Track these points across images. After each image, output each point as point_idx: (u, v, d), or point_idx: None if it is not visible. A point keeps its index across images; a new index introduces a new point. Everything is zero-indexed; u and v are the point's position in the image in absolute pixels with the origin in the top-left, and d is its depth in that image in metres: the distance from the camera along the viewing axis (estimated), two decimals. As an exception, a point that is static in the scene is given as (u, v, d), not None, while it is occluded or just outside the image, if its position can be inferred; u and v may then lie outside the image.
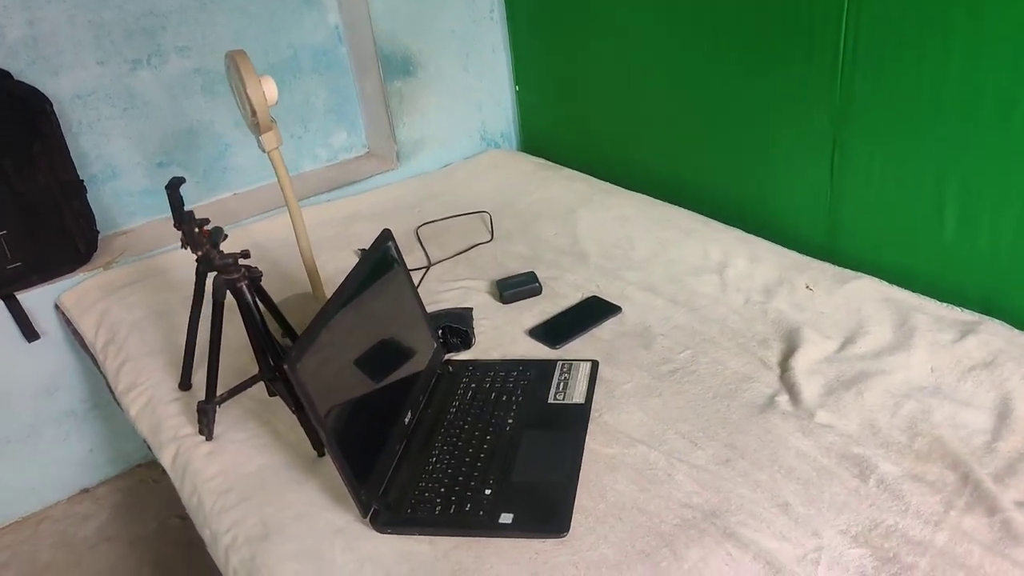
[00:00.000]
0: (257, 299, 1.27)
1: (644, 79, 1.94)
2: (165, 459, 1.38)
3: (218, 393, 1.34)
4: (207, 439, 1.36)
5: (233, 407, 1.39)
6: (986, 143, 1.32)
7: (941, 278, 1.45)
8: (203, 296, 1.42)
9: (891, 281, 1.50)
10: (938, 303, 1.43)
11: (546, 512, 1.10)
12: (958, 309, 1.40)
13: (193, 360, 1.48)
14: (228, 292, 1.26)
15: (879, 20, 1.39)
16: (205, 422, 1.35)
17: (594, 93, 2.12)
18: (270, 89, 1.39)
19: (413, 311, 1.37)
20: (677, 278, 1.62)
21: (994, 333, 1.32)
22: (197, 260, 1.35)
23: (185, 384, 1.50)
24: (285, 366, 1.01)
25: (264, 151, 1.46)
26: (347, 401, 1.13)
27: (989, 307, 1.38)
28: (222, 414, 1.38)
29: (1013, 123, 1.27)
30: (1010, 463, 1.09)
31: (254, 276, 1.27)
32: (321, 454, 1.28)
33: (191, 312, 1.43)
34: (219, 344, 1.31)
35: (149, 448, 1.46)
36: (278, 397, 1.37)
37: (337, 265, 1.83)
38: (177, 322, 1.66)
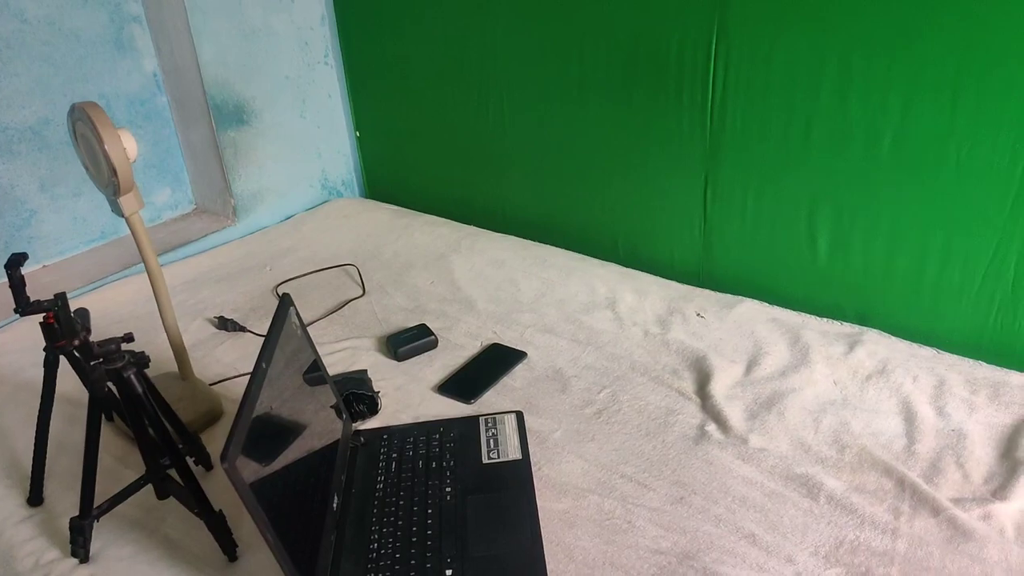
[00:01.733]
0: (147, 387, 1.09)
1: (503, 122, 1.93)
2: (29, 593, 1.14)
3: (97, 504, 1.13)
4: (82, 561, 1.15)
5: (107, 520, 1.18)
6: (856, 172, 1.43)
7: (817, 297, 1.55)
8: (53, 391, 1.20)
9: (770, 302, 1.58)
10: (819, 319, 1.52)
11: (519, 586, 1.02)
12: (838, 323, 1.51)
13: (44, 469, 1.25)
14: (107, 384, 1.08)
15: (747, 58, 1.48)
16: (80, 542, 1.13)
17: (445, 138, 2.09)
18: (130, 144, 1.22)
19: (318, 381, 1.24)
20: (572, 317, 1.60)
21: (877, 342, 1.43)
22: (48, 349, 1.15)
23: (35, 499, 1.26)
24: (224, 464, 0.86)
25: (122, 215, 1.28)
26: (275, 494, 0.99)
27: (864, 320, 1.49)
28: (97, 530, 1.17)
29: (881, 153, 1.39)
30: (932, 463, 1.17)
31: (141, 362, 1.09)
32: (232, 559, 1.12)
33: (40, 411, 1.21)
34: (97, 447, 1.11)
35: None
36: (168, 499, 1.18)
37: (192, 338, 1.64)
38: (5, 424, 1.40)
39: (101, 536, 1.17)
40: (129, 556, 1.14)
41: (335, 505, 1.13)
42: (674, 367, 1.43)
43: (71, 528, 1.13)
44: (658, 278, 1.71)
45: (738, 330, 1.51)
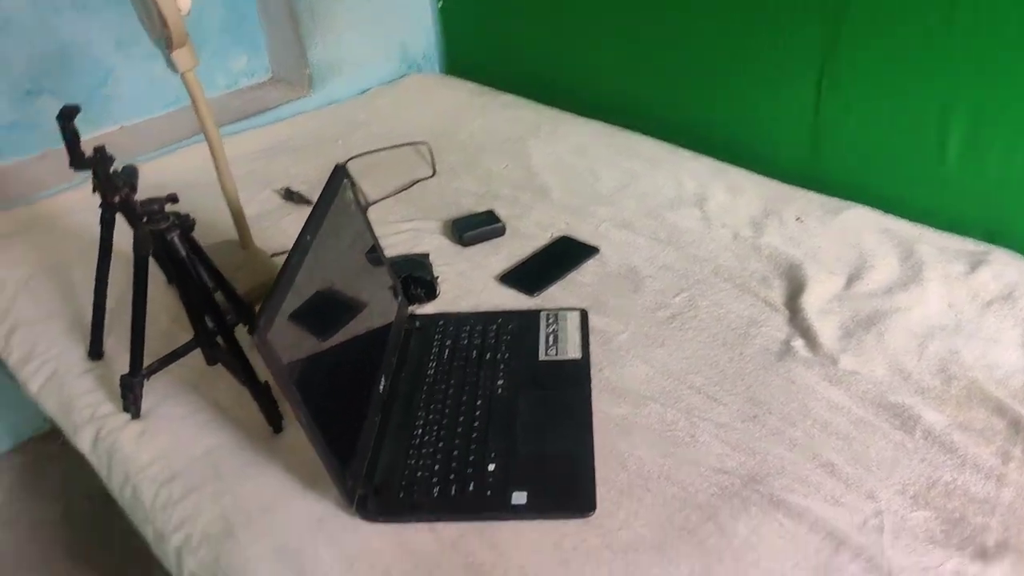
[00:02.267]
0: (191, 251, 1.03)
1: (596, -7, 1.75)
2: (83, 443, 1.14)
3: (145, 364, 1.10)
4: (133, 417, 1.13)
5: (162, 379, 1.16)
6: (1007, 64, 1.21)
7: (940, 208, 1.37)
8: (110, 249, 1.16)
9: (884, 210, 1.41)
10: (939, 232, 1.34)
11: (565, 488, 0.95)
12: (960, 238, 1.33)
13: (103, 324, 1.23)
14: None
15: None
16: (131, 398, 1.11)
17: (532, 8, 1.92)
18: (183, -7, 1.13)
19: (375, 261, 1.16)
20: (654, 213, 1.47)
21: (1005, 264, 1.25)
22: (104, 206, 1.10)
23: (95, 353, 1.25)
24: (254, 337, 0.80)
25: (176, 72, 1.20)
26: (317, 371, 0.92)
27: (993, 237, 1.31)
28: (148, 388, 1.14)
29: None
30: (1054, 404, 1.02)
31: (186, 225, 1.03)
32: (278, 430, 1.08)
33: (98, 268, 1.18)
34: (144, 308, 1.07)
35: (45, 420, 1.21)
36: (218, 366, 1.14)
37: (258, 208, 1.58)
38: (75, 279, 1.39)
39: (154, 394, 1.15)
40: (179, 417, 1.12)
41: (382, 387, 1.07)
42: (763, 274, 1.29)
43: (121, 385, 1.11)
44: (756, 175, 1.55)
45: (842, 238, 1.35)
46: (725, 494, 0.94)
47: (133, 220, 1.03)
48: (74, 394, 1.18)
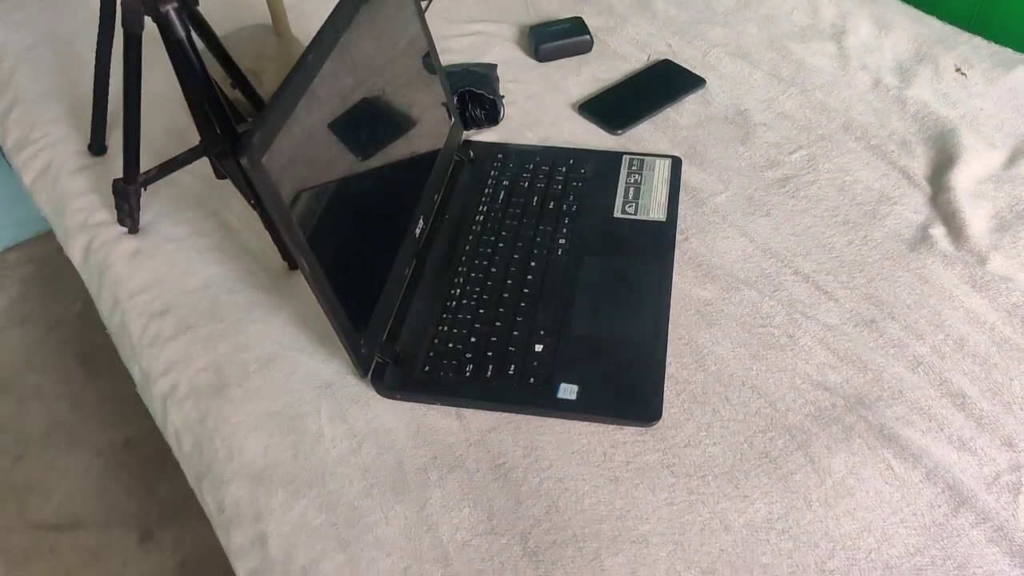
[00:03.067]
0: (193, 34, 0.82)
1: None
2: (73, 253, 1.01)
3: (143, 169, 0.93)
4: (130, 231, 0.98)
5: (166, 188, 1.00)
6: None
7: None
8: (113, 16, 0.96)
9: (1074, 70, 1.10)
10: None
11: (626, 386, 0.77)
12: None
13: (106, 114, 1.05)
14: (147, 21, 0.81)
15: None
16: (127, 210, 0.95)
17: None
18: None
19: (424, 66, 0.94)
20: (778, 43, 1.19)
21: None
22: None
23: (97, 147, 1.08)
24: (242, 160, 0.60)
25: None
26: (334, 206, 0.74)
27: None
28: (149, 197, 0.98)
29: None
30: None
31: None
32: (293, 266, 0.92)
33: (98, 45, 0.98)
34: (138, 99, 0.88)
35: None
36: (229, 180, 0.97)
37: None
38: (81, 53, 1.21)
39: (155, 207, 1.00)
40: (180, 237, 0.96)
41: (419, 230, 0.88)
42: (905, 137, 1.03)
43: (114, 191, 0.94)
44: (911, 8, 1.23)
45: (1012, 101, 1.07)
46: (823, 418, 0.75)
47: (121, -11, 0.82)
48: (68, 193, 1.03)
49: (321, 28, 0.73)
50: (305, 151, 0.69)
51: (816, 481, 0.71)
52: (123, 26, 0.81)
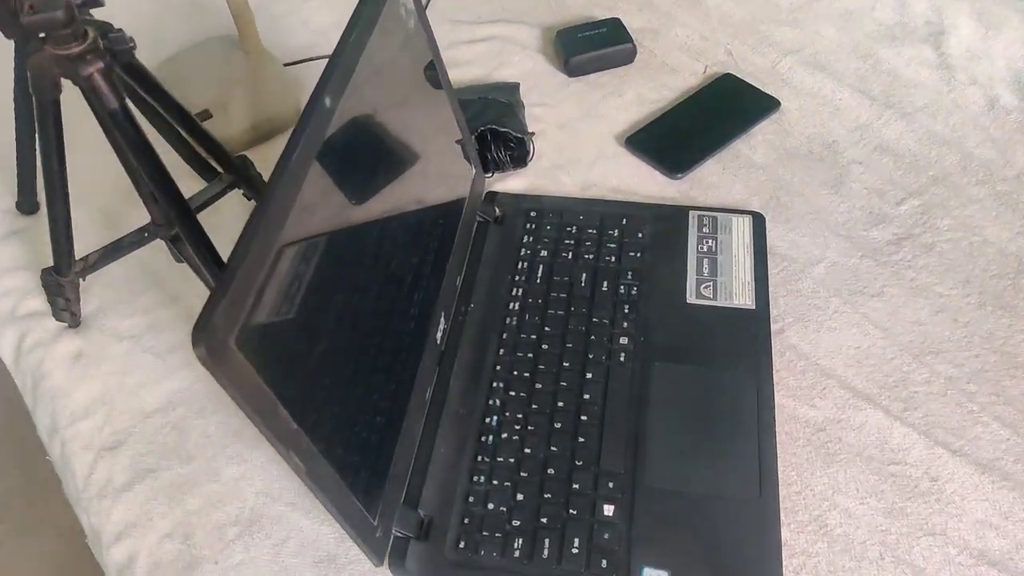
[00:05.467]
0: (126, 99, 0.60)
1: None
2: (3, 350, 0.80)
3: (80, 254, 0.72)
4: (70, 326, 0.77)
5: (116, 270, 0.78)
6: None
7: None
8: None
9: None
10: None
11: (733, 571, 0.57)
12: None
13: (36, 164, 0.83)
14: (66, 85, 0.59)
15: None
16: (62, 304, 0.74)
17: None
18: None
19: (439, 109, 0.72)
20: (862, 48, 0.97)
21: None
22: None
23: (28, 204, 0.87)
24: (198, 353, 0.40)
25: None
26: (335, 355, 0.53)
27: None
28: (96, 279, 0.77)
29: None
30: None
31: (118, 49, 0.59)
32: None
33: (15, 100, 0.76)
34: (63, 176, 0.66)
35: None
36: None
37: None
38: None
39: (100, 289, 0.79)
40: (134, 334, 0.77)
41: (440, 334, 0.67)
42: (1039, 177, 0.82)
43: (44, 284, 0.73)
44: None
45: None
46: (995, 610, 0.56)
47: (15, 33, 0.59)
48: (-9, 272, 0.82)
49: (309, 101, 0.51)
50: (292, 299, 0.48)
51: None
52: (33, 93, 0.59)
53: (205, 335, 0.39)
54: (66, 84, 0.59)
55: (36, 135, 0.62)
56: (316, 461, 0.49)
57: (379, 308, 0.59)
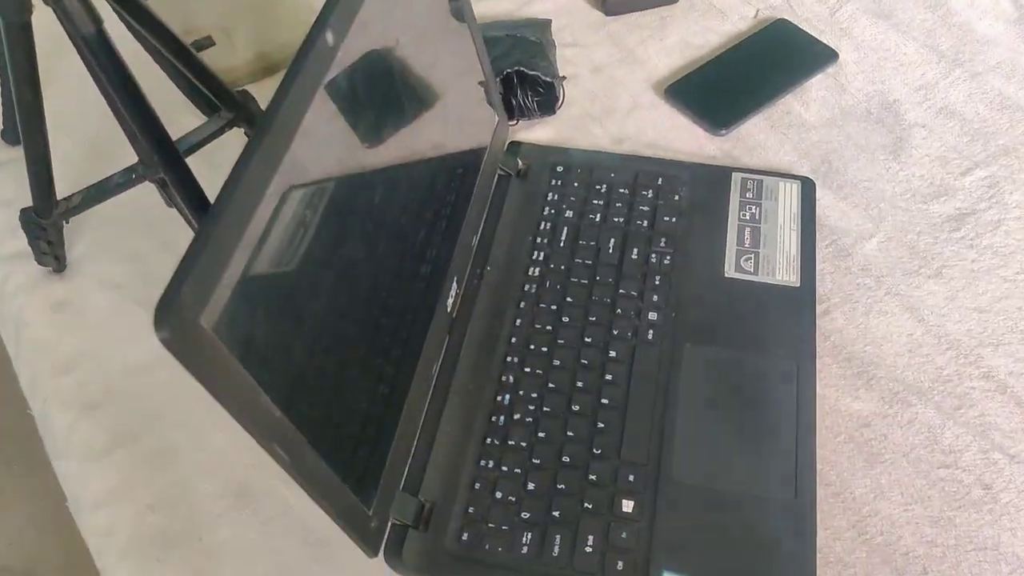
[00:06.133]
0: (103, 24, 0.53)
1: None
2: (-17, 291, 0.74)
3: (62, 194, 0.66)
4: (55, 271, 0.71)
5: (104, 212, 0.72)
6: None
7: None
8: None
9: None
10: None
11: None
12: None
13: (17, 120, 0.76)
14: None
15: None
16: (44, 247, 0.68)
17: None
18: None
19: (461, 45, 0.65)
20: (932, -3, 0.88)
21: None
22: None
23: (11, 134, 0.80)
24: (161, 335, 0.34)
25: None
26: (327, 326, 0.47)
27: None
28: (83, 221, 0.72)
29: None
30: None
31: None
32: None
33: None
34: (39, 109, 0.59)
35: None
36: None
37: None
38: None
39: (89, 233, 0.74)
40: (121, 283, 0.72)
41: (451, 301, 0.61)
42: (1122, 151, 0.74)
43: (23, 225, 0.67)
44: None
45: None
46: (1050, 640, 0.51)
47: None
48: (-28, 206, 0.76)
49: (292, 65, 0.44)
50: (275, 269, 0.42)
51: None
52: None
53: (170, 314, 0.34)
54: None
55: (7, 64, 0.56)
56: (302, 450, 0.43)
57: (384, 270, 0.53)
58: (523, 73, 0.76)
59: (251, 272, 0.39)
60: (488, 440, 0.58)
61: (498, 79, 0.75)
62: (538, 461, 0.57)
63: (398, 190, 0.55)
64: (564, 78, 0.79)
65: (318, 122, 0.44)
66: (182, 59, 0.64)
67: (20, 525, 1.13)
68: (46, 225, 0.66)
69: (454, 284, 0.63)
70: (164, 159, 0.58)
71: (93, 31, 0.51)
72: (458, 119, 0.65)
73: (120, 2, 0.56)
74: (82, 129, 0.78)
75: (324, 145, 0.46)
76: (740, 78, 0.80)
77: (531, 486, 0.56)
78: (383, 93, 0.53)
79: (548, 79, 0.77)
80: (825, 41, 0.83)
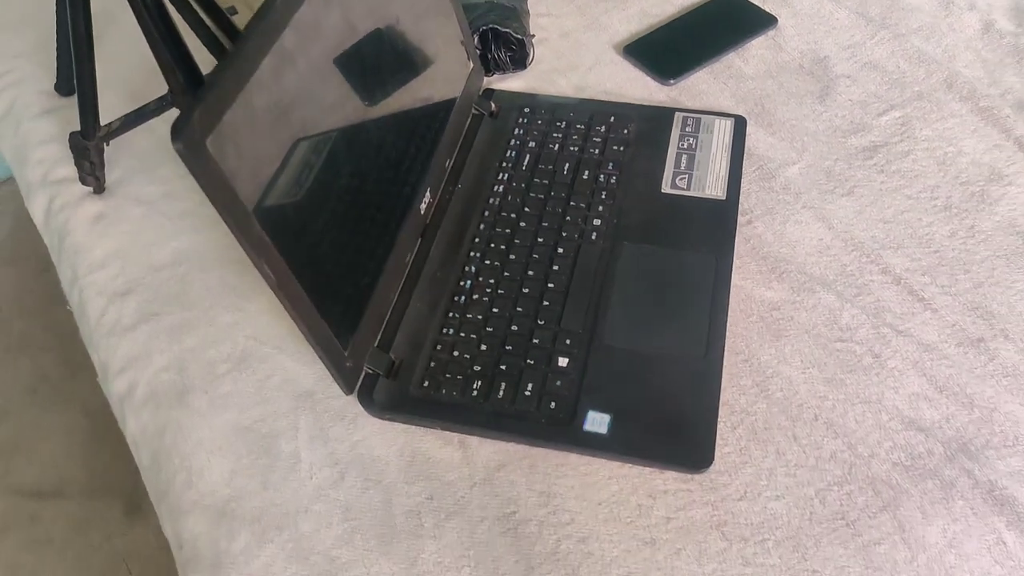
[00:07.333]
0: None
1: None
2: (34, 212, 0.88)
3: (106, 120, 0.78)
4: (95, 191, 0.84)
5: (139, 139, 0.85)
6: None
7: None
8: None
9: None
10: None
11: (669, 419, 0.62)
12: None
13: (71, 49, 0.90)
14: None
15: None
16: (88, 168, 0.81)
17: None
18: None
19: (441, 5, 0.77)
20: (866, -27, 0.99)
21: None
22: None
23: (66, 86, 0.94)
24: (176, 146, 0.45)
25: None
26: (315, 186, 0.59)
27: None
28: (120, 149, 0.84)
29: None
30: None
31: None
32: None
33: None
34: (89, 39, 0.72)
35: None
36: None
37: None
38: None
39: (125, 161, 0.86)
40: (151, 200, 0.83)
41: (424, 206, 0.72)
42: (1022, 98, 0.84)
43: (72, 147, 0.80)
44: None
45: None
46: (916, 469, 0.60)
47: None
48: (29, 141, 0.89)
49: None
50: (272, 118, 0.53)
51: (906, 556, 0.56)
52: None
53: (183, 132, 0.45)
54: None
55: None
56: (286, 277, 0.54)
57: (366, 164, 0.64)
58: (497, 31, 0.88)
59: (253, 124, 0.50)
60: (451, 314, 0.68)
61: (475, 35, 0.87)
62: (491, 329, 0.67)
63: (393, 101, 0.67)
64: (534, 36, 0.91)
65: (309, 18, 0.56)
66: (212, 16, 0.76)
67: (53, 455, 1.25)
68: (90, 146, 0.78)
69: (427, 193, 0.74)
70: (192, 88, 0.70)
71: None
72: (442, 66, 0.77)
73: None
74: (124, 80, 0.90)
75: (317, 39, 0.57)
76: (689, 39, 0.91)
77: (483, 347, 0.66)
78: (368, 31, 0.65)
79: (519, 36, 0.89)
80: (767, 10, 0.94)
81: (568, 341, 0.66)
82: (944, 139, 0.81)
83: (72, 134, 0.79)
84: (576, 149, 0.80)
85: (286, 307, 0.55)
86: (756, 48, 0.91)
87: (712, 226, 0.73)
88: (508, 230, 0.74)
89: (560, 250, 0.72)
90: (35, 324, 1.39)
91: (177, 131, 0.45)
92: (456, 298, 0.69)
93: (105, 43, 0.88)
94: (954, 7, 0.93)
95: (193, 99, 0.47)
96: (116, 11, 0.75)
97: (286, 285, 0.54)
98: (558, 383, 0.64)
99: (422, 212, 0.73)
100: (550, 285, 0.70)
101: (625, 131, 0.82)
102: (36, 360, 1.34)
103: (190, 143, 0.46)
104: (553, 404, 0.62)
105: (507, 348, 0.66)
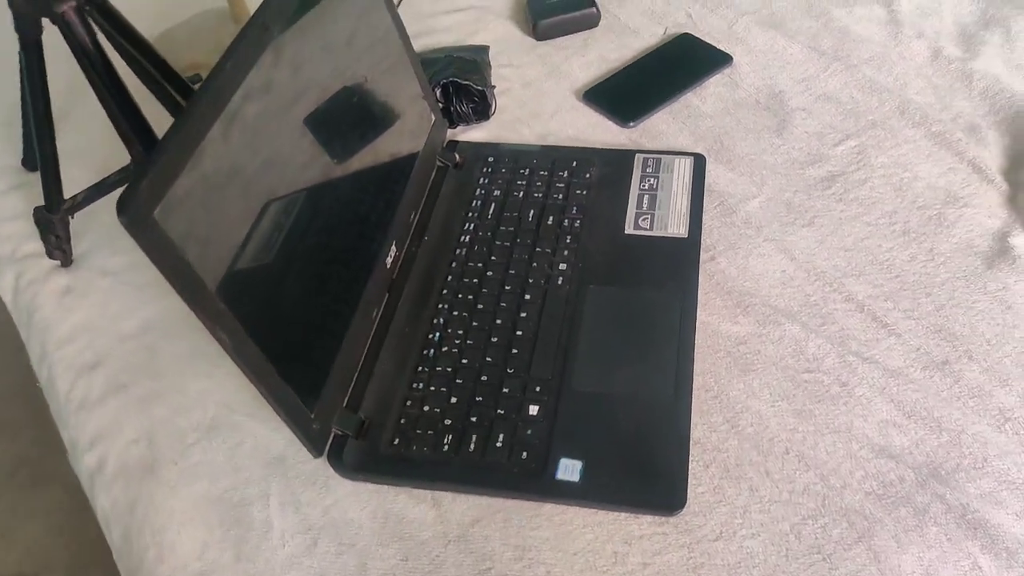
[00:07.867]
0: (97, 36, 0.67)
1: None
2: (4, 290, 0.87)
3: (70, 195, 0.79)
4: (62, 264, 0.84)
5: (105, 210, 0.85)
6: None
7: None
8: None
9: None
10: None
11: (641, 463, 0.62)
12: None
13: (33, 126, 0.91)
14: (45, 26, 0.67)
15: None
16: (54, 241, 0.81)
17: None
18: None
19: (394, 52, 0.78)
20: (817, 8, 1.01)
21: None
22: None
23: (31, 162, 0.94)
24: (121, 220, 0.46)
25: None
26: (274, 247, 0.59)
27: None
28: (87, 221, 0.85)
29: None
30: None
31: (90, -7, 0.66)
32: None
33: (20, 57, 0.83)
34: (48, 116, 0.73)
35: None
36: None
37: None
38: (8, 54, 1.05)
39: (92, 232, 0.86)
40: (117, 271, 0.83)
41: (390, 260, 0.73)
42: (973, 121, 0.86)
43: (36, 221, 0.80)
44: (975, -41, 1.04)
45: (1103, 71, 0.89)
46: (889, 497, 0.60)
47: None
48: (-5, 219, 0.90)
49: (246, 25, 0.57)
50: (225, 182, 0.54)
51: (882, 585, 0.56)
52: (17, 32, 0.66)
53: (130, 205, 0.46)
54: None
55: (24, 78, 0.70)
56: (243, 341, 0.54)
57: (328, 223, 0.65)
58: (458, 83, 0.89)
59: (207, 179, 0.51)
60: (420, 368, 0.69)
61: (437, 89, 0.88)
62: (460, 381, 0.67)
63: (355, 160, 0.67)
64: (495, 87, 0.92)
65: (261, 80, 0.57)
66: (164, 75, 0.77)
67: (35, 535, 1.23)
68: (55, 220, 0.79)
69: (393, 247, 0.74)
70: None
71: (89, 42, 0.65)
72: (404, 120, 0.78)
73: (110, 21, 0.69)
74: (90, 154, 0.91)
75: (270, 102, 0.58)
76: (647, 81, 0.93)
77: (453, 399, 0.66)
78: (328, 89, 0.66)
79: (480, 88, 0.90)
80: (723, 48, 0.96)
81: (538, 388, 0.66)
82: (900, 165, 0.82)
83: (37, 208, 0.79)
84: (540, 195, 0.81)
85: (244, 372, 0.55)
86: (713, 86, 0.93)
87: (675, 264, 0.74)
88: (475, 280, 0.74)
89: (527, 296, 0.72)
90: (13, 404, 1.38)
91: (123, 204, 0.46)
92: (425, 351, 0.70)
93: (74, 116, 0.89)
94: (903, 36, 0.95)
95: (141, 170, 0.47)
96: (84, 84, 0.76)
97: (242, 350, 0.54)
98: (529, 432, 0.63)
99: (388, 267, 0.73)
100: (518, 332, 0.70)
101: (587, 175, 0.83)
102: (15, 441, 1.33)
103: (135, 216, 0.46)
104: (525, 454, 0.62)
105: (477, 399, 0.66)
